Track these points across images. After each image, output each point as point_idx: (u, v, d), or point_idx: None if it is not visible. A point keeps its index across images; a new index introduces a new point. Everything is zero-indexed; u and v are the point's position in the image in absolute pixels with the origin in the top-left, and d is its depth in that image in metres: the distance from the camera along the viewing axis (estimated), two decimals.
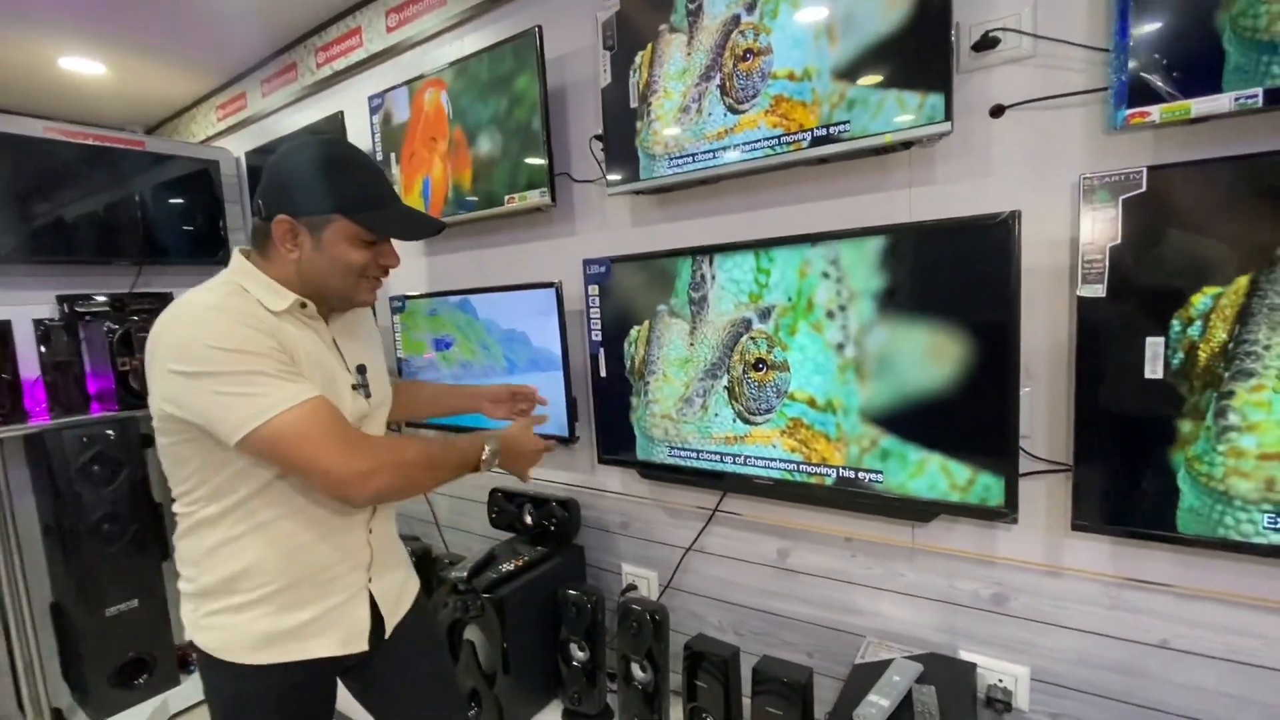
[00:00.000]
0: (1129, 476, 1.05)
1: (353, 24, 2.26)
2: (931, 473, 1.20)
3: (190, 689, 2.20)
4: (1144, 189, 0.99)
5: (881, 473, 1.26)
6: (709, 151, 1.39)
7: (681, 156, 1.43)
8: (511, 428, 1.12)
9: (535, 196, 1.71)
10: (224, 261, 0.97)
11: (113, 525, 2.04)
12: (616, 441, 1.67)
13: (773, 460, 1.39)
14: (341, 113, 2.31)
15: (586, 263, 1.64)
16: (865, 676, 1.20)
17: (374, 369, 1.08)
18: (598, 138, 1.62)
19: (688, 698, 1.43)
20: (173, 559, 1.04)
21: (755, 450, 1.42)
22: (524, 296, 1.79)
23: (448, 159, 1.91)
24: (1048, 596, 1.20)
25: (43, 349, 2.10)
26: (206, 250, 2.65)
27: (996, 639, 1.26)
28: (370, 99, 2.10)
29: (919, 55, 1.14)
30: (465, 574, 1.63)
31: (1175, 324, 0.99)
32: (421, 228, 1.01)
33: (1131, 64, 0.99)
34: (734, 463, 1.45)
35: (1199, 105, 0.95)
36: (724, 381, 1.44)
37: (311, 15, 2.32)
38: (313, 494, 0.94)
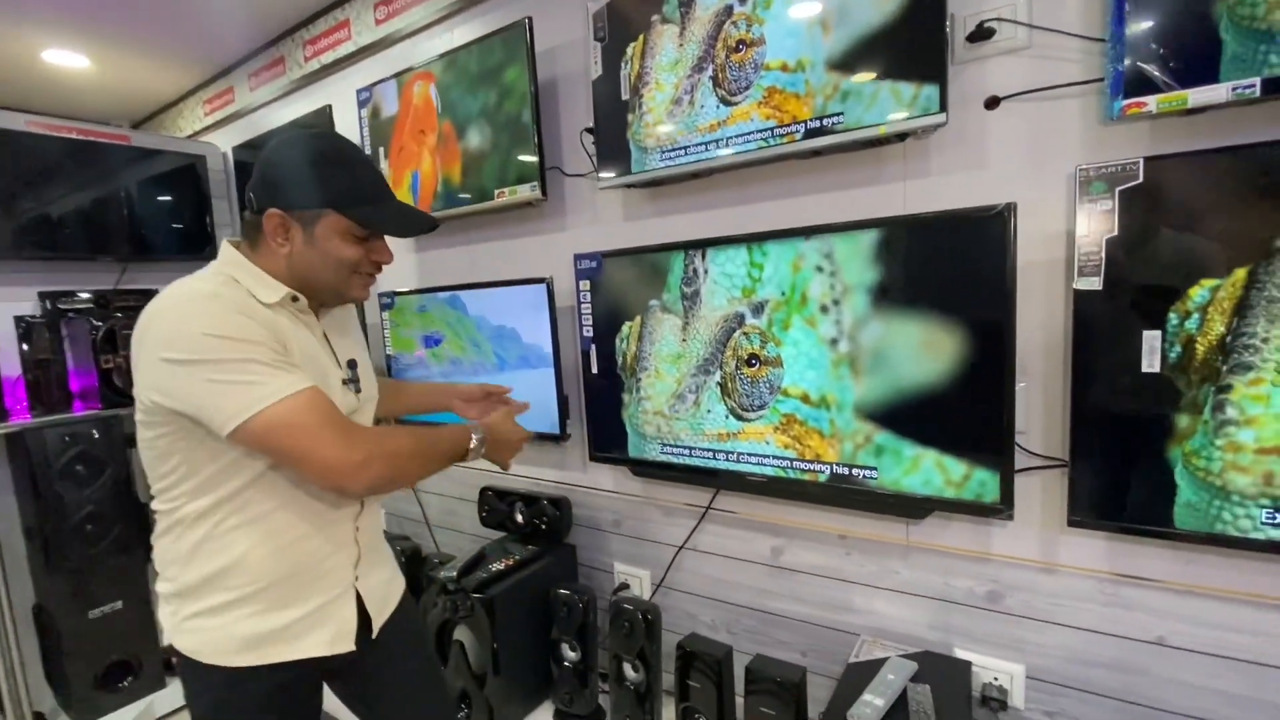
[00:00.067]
0: (1125, 472, 1.04)
1: (341, 16, 2.23)
2: (926, 469, 1.19)
3: (176, 692, 2.17)
4: (1141, 180, 0.98)
5: (876, 469, 1.24)
6: (701, 144, 1.37)
7: (673, 149, 1.41)
8: (494, 417, 1.12)
9: (526, 191, 1.69)
10: (211, 258, 0.95)
11: (96, 526, 2.01)
12: (608, 439, 1.65)
13: (766, 457, 1.38)
14: (330, 106, 2.28)
15: (578, 257, 1.62)
16: (859, 675, 1.18)
17: (363, 364, 1.08)
18: (589, 130, 1.60)
19: (680, 698, 1.41)
20: None
21: (748, 447, 1.40)
22: (514, 292, 1.77)
23: (437, 153, 1.88)
24: (1043, 594, 1.19)
25: (24, 346, 2.06)
26: (193, 247, 2.62)
27: (992, 637, 1.25)
28: (358, 92, 2.07)
29: (913, 46, 1.12)
30: (455, 573, 1.61)
31: (1172, 317, 0.98)
32: (415, 224, 0.99)
33: (1128, 54, 0.97)
34: (727, 460, 1.44)
35: (1196, 95, 0.94)
36: (716, 377, 1.42)
37: (299, 8, 2.29)
38: (306, 486, 0.93)
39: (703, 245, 1.41)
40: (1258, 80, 0.90)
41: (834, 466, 1.29)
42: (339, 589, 0.99)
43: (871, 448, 1.24)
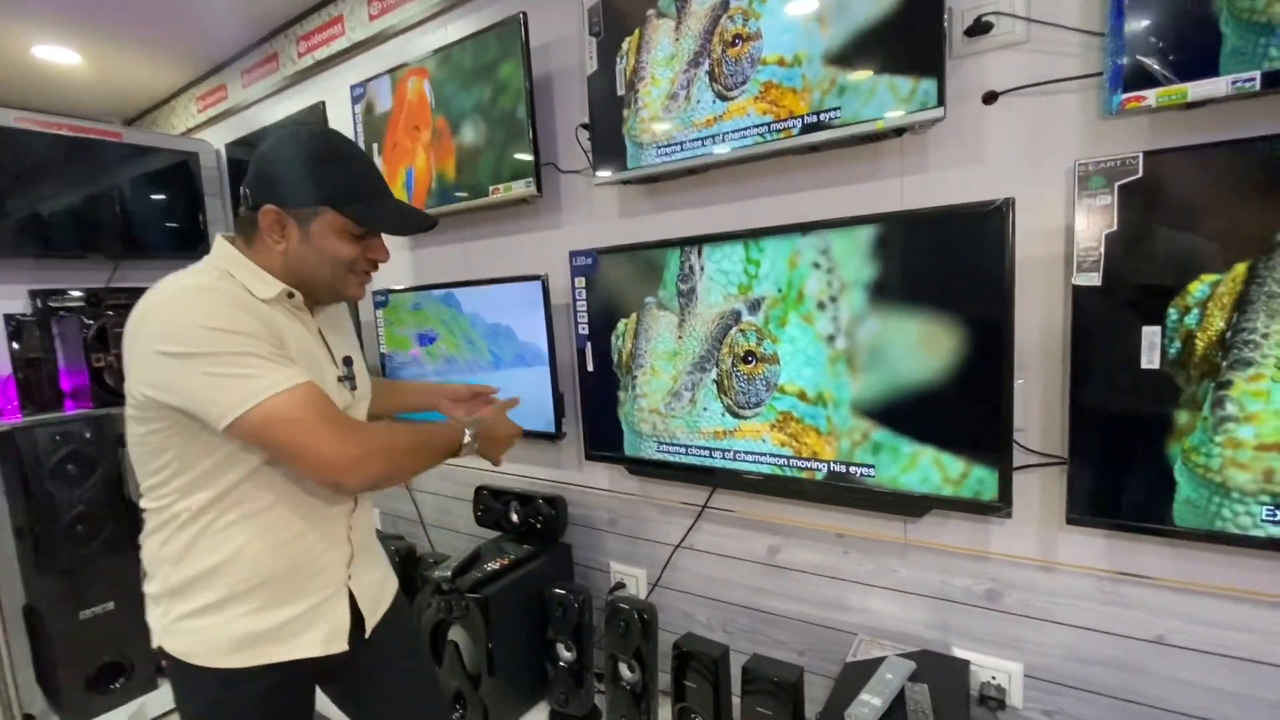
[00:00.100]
0: (1124, 469, 1.03)
1: (334, 12, 2.21)
2: (924, 467, 1.18)
3: (168, 694, 2.12)
4: (1140, 175, 0.97)
5: (873, 467, 1.23)
6: (697, 140, 1.36)
7: (669, 145, 1.40)
8: (486, 412, 1.12)
9: (520, 187, 1.68)
10: (205, 256, 0.94)
11: (87, 526, 2.00)
12: (604, 437, 1.64)
13: (762, 455, 1.37)
14: (323, 103, 2.26)
15: (573, 254, 1.61)
16: (857, 675, 1.17)
17: (357, 362, 1.08)
18: (584, 126, 1.58)
19: (676, 698, 1.40)
20: None
21: (745, 445, 1.39)
22: (509, 289, 1.75)
23: (431, 149, 1.87)
24: (1042, 592, 1.18)
25: (14, 345, 2.04)
26: (186, 245, 2.60)
27: (990, 635, 1.24)
28: (352, 88, 2.06)
29: (911, 40, 1.11)
30: (449, 573, 1.60)
31: (1172, 313, 0.97)
32: (412, 222, 0.99)
33: (1127, 47, 0.96)
34: (723, 458, 1.42)
35: (1196, 89, 0.93)
36: (713, 375, 1.41)
37: (293, 3, 2.27)
38: (303, 482, 0.92)
39: (699, 242, 1.39)
40: (1258, 74, 0.89)
41: (831, 464, 1.28)
42: (332, 588, 0.98)
43: (869, 445, 1.23)
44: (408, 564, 1.96)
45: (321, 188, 0.89)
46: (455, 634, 1.62)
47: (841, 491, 1.29)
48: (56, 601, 1.96)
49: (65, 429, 1.97)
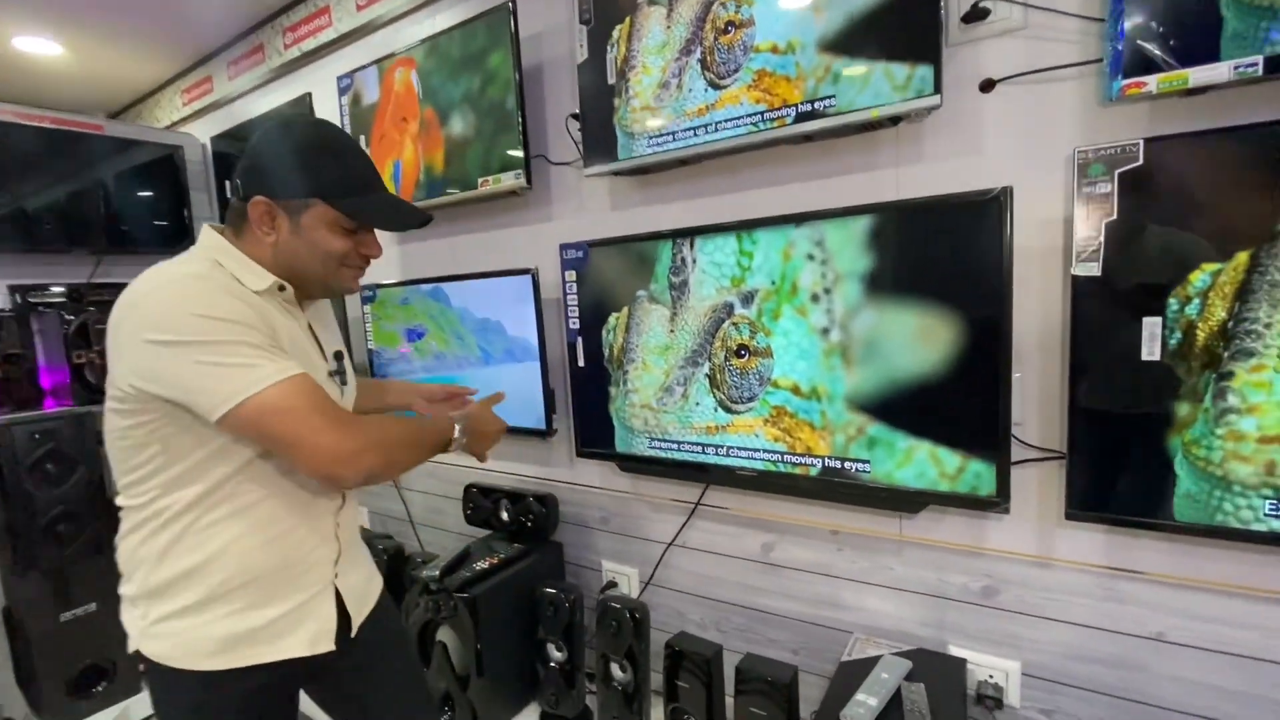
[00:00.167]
0: (1124, 463, 1.01)
1: (321, 3, 2.17)
2: (920, 461, 1.16)
3: None
4: (1141, 162, 0.95)
5: (868, 462, 1.21)
6: (690, 129, 1.33)
7: (661, 135, 1.38)
8: (474, 407, 1.10)
9: (510, 179, 1.65)
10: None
11: (68, 526, 1.95)
12: (595, 433, 1.61)
13: (756, 451, 1.34)
14: (309, 94, 2.23)
15: (563, 247, 1.58)
16: (852, 674, 1.15)
17: (345, 358, 1.07)
18: (574, 116, 1.55)
19: (669, 698, 1.38)
20: None
21: (738, 440, 1.36)
22: (499, 284, 1.72)
23: (419, 140, 1.84)
24: (1040, 589, 1.16)
25: None
26: (170, 240, 2.57)
27: (987, 633, 1.22)
28: (339, 79, 2.02)
29: (907, 26, 1.09)
30: (437, 573, 1.57)
31: (1172, 303, 0.95)
32: (406, 218, 0.97)
33: (1127, 32, 0.94)
34: (716, 454, 1.40)
35: (1197, 75, 0.91)
36: (705, 369, 1.38)
37: None
38: (294, 475, 0.90)
39: (691, 234, 1.37)
40: (1260, 59, 0.87)
41: (825, 460, 1.26)
42: (318, 586, 0.96)
43: (864, 440, 1.21)
44: (396, 563, 1.93)
45: (313, 180, 0.87)
46: (444, 634, 1.59)
47: (836, 487, 1.27)
48: (37, 603, 1.92)
49: (45, 427, 1.93)
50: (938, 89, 1.07)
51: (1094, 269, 0.99)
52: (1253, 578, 1.00)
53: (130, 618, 0.91)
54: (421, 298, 1.92)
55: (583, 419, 1.64)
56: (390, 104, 1.89)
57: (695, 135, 1.33)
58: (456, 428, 1.00)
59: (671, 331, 1.42)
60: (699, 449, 1.42)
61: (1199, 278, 0.93)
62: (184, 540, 0.86)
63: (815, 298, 1.23)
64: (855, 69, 1.14)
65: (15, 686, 2.03)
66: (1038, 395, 1.12)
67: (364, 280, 1.01)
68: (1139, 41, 0.94)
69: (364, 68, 1.95)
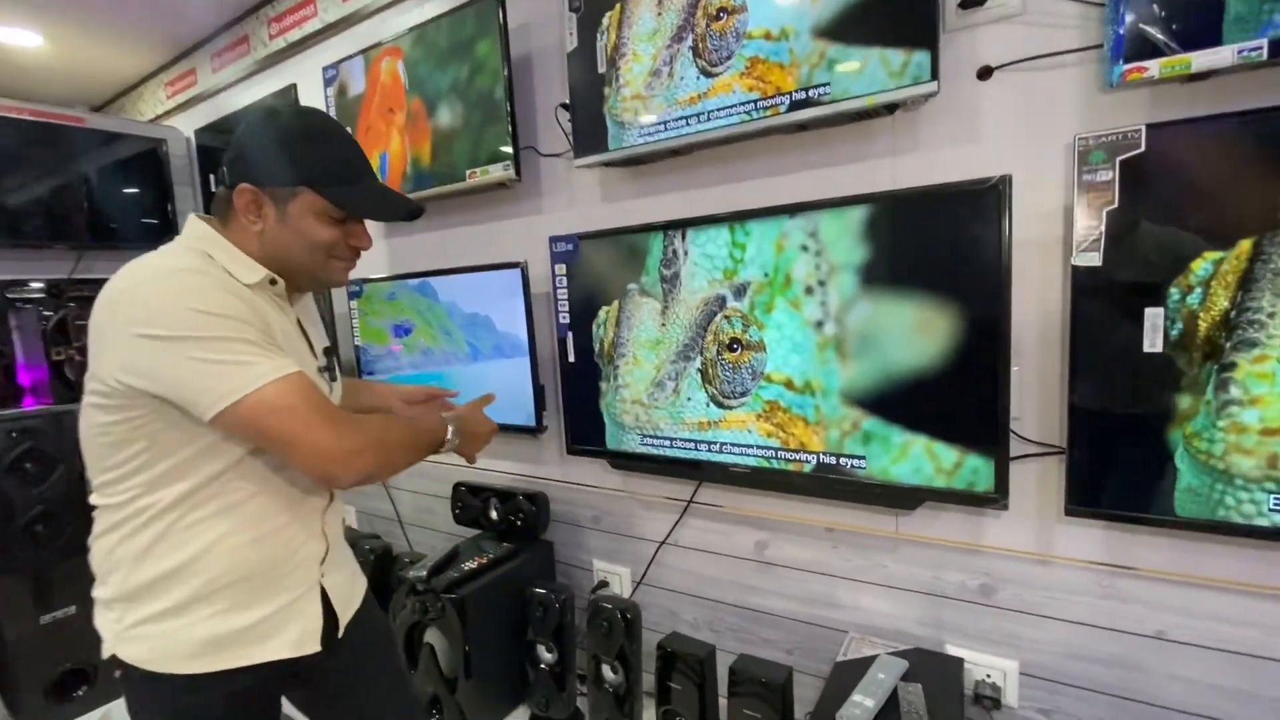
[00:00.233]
0: (1125, 457, 0.99)
1: None
2: (916, 456, 1.13)
3: None
4: (1143, 149, 0.93)
5: (864, 458, 1.19)
6: (681, 118, 1.31)
7: (652, 124, 1.35)
8: (465, 409, 1.08)
9: (499, 171, 1.62)
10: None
11: (47, 526, 1.91)
12: (586, 430, 1.58)
13: (749, 447, 1.32)
14: (294, 86, 2.19)
15: (553, 240, 1.55)
16: (848, 674, 1.13)
17: (333, 354, 1.05)
18: (564, 106, 1.52)
19: (661, 700, 1.36)
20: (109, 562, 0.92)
21: (730, 436, 1.34)
22: (487, 278, 1.69)
23: (406, 132, 1.80)
24: (1038, 587, 1.14)
25: None
26: (154, 235, 2.52)
27: (985, 632, 1.20)
28: (324, 70, 1.98)
29: (903, 11, 1.07)
30: (424, 573, 1.54)
31: (1174, 292, 0.93)
32: (396, 208, 0.94)
33: (1128, 16, 0.92)
34: (708, 450, 1.37)
35: (1200, 59, 0.89)
36: (697, 363, 1.36)
37: None
38: (285, 472, 0.88)
39: (683, 225, 1.34)
40: (1264, 42, 0.85)
41: (820, 456, 1.23)
42: (304, 586, 0.93)
43: (859, 435, 1.18)
44: (384, 563, 1.90)
45: (300, 167, 0.85)
46: (431, 636, 1.56)
47: (831, 484, 1.24)
48: (15, 606, 1.88)
49: (23, 425, 1.88)
50: (935, 75, 1.04)
51: (1094, 259, 0.97)
52: (1256, 575, 0.98)
53: (105, 621, 0.88)
54: (409, 292, 1.89)
55: (573, 416, 1.61)
56: (376, 95, 1.86)
57: (687, 124, 1.30)
58: (450, 429, 0.99)
59: (663, 325, 1.39)
60: (691, 445, 1.40)
61: (1201, 266, 0.91)
62: (167, 539, 0.83)
63: (809, 290, 1.20)
64: (850, 55, 1.11)
65: None
66: (1036, 389, 1.10)
67: (351, 274, 0.98)
68: (1141, 25, 0.92)
69: (350, 58, 1.91)
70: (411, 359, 1.94)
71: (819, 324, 1.20)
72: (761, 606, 1.48)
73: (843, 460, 1.21)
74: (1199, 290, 0.91)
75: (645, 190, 1.51)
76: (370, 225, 0.95)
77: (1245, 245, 0.88)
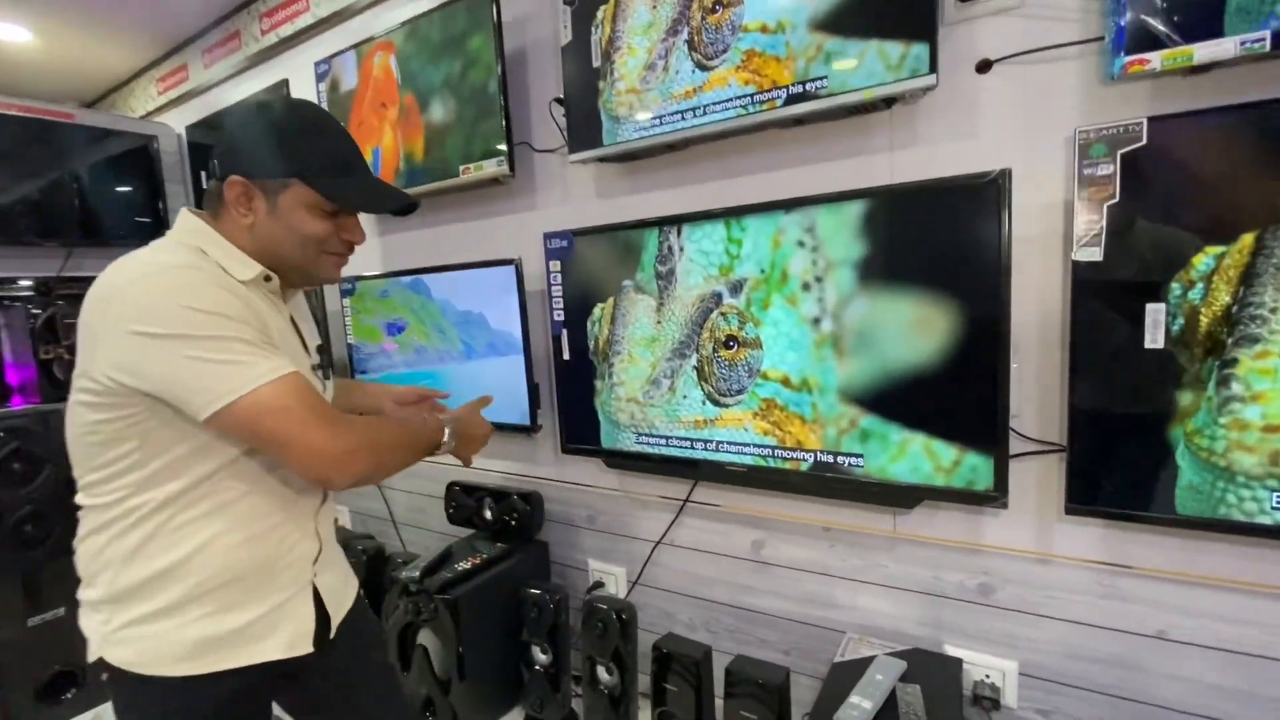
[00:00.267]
0: (1125, 455, 0.98)
1: None
2: (914, 455, 1.12)
3: None
4: (1144, 142, 0.91)
5: (862, 456, 1.17)
6: (677, 113, 1.29)
7: (647, 119, 1.33)
8: (462, 410, 1.08)
9: (492, 166, 1.60)
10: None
11: (35, 527, 1.89)
12: (581, 429, 1.56)
13: (745, 445, 1.30)
14: (286, 81, 2.17)
15: (548, 236, 1.53)
16: (846, 675, 1.12)
17: (326, 352, 1.04)
18: (558, 101, 1.51)
19: (656, 701, 1.34)
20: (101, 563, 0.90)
21: (726, 434, 1.32)
22: (481, 275, 1.67)
23: (398, 127, 1.78)
24: (1038, 586, 1.13)
25: None
26: (145, 232, 2.50)
27: (983, 632, 1.19)
28: (316, 65, 1.96)
29: (901, 3, 1.05)
30: (417, 573, 1.52)
31: (1175, 287, 0.91)
32: (388, 201, 0.93)
33: (1130, 8, 0.91)
34: (704, 449, 1.36)
35: (1202, 51, 0.88)
36: (693, 361, 1.34)
37: None
38: (279, 471, 0.87)
39: (678, 221, 1.33)
40: (1267, 34, 0.84)
41: (817, 454, 1.22)
42: (296, 586, 0.92)
43: (856, 433, 1.17)
44: (377, 564, 1.88)
45: (290, 159, 0.84)
46: (424, 637, 1.55)
47: (828, 483, 1.23)
48: (3, 607, 1.85)
49: (11, 425, 1.86)
50: (933, 68, 1.03)
51: (1095, 254, 0.96)
52: (1258, 573, 0.97)
53: (91, 624, 0.86)
54: (402, 290, 1.87)
55: (568, 414, 1.60)
56: (369, 89, 1.84)
57: (683, 119, 1.29)
58: (446, 431, 0.98)
59: (658, 322, 1.38)
60: (687, 444, 1.38)
61: (1203, 261, 0.90)
62: (157, 539, 0.81)
63: (806, 286, 1.19)
64: (848, 48, 1.10)
65: None
66: (1036, 386, 1.09)
67: (343, 272, 0.96)
68: (1142, 17, 0.90)
69: (342, 53, 1.89)
70: (405, 357, 1.92)
71: (816, 321, 1.18)
72: (758, 607, 1.46)
73: (840, 458, 1.20)
74: (1200, 285, 0.90)
75: (640, 186, 1.50)
76: (363, 221, 0.94)
77: (1248, 240, 0.87)
